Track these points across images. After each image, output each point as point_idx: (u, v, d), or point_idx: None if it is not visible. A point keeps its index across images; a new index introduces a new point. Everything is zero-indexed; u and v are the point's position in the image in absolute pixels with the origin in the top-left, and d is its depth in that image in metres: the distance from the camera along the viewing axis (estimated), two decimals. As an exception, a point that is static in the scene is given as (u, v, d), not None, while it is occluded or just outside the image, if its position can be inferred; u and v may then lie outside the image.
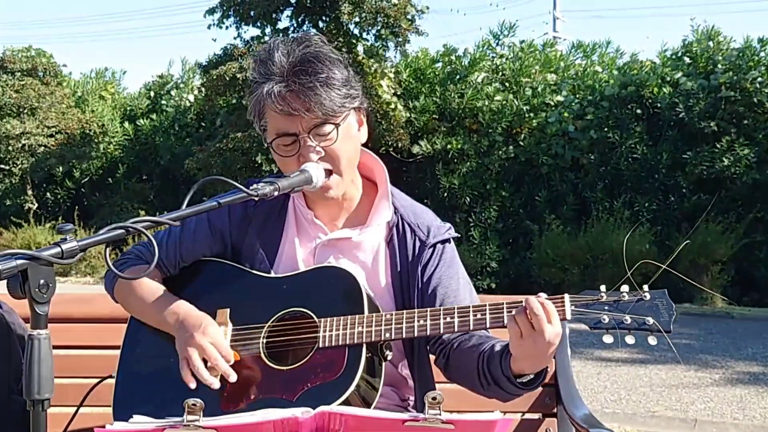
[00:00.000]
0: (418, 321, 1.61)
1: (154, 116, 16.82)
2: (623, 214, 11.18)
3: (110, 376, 1.86)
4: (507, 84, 12.98)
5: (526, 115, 12.45)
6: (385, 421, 1.40)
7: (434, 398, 1.37)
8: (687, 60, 11.97)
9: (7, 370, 1.91)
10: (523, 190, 12.53)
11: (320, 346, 1.61)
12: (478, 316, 1.59)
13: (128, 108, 17.81)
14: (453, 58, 13.47)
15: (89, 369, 2.20)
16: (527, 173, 12.53)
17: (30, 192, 16.73)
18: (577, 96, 12.61)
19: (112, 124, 17.02)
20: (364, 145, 1.83)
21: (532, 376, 1.61)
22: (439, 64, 13.68)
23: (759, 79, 11.00)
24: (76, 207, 16.16)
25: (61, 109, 16.48)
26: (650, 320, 1.55)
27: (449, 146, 12.48)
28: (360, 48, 12.98)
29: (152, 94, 17.58)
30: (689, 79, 11.47)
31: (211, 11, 13.66)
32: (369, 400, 1.59)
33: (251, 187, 1.54)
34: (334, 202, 1.79)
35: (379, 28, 13.00)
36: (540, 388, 2.19)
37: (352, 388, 1.54)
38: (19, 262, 1.22)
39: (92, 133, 16.39)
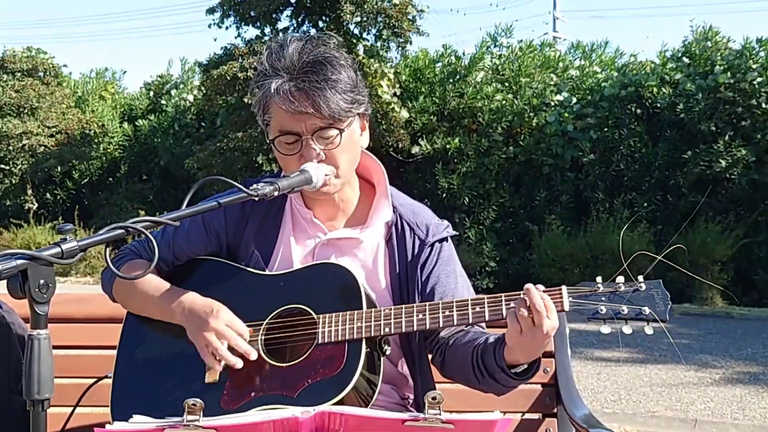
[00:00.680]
0: (417, 315, 1.61)
1: (153, 116, 16.82)
2: (623, 214, 11.18)
3: (106, 377, 1.86)
4: (506, 84, 12.98)
5: (526, 115, 12.45)
6: (385, 421, 1.40)
7: (434, 398, 1.37)
8: (686, 60, 11.97)
9: (7, 370, 1.91)
10: (523, 190, 12.53)
11: (319, 342, 1.61)
12: (477, 309, 1.60)
13: (128, 108, 17.80)
14: (453, 58, 13.46)
15: (89, 369, 2.20)
16: (527, 173, 12.53)
17: (30, 192, 16.73)
18: (577, 96, 12.61)
19: (112, 124, 17.02)
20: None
21: (526, 366, 1.62)
22: (439, 65, 13.68)
23: (758, 79, 11.00)
24: (76, 207, 16.15)
25: (61, 109, 16.48)
26: (646, 309, 1.57)
27: (448, 146, 12.48)
28: (360, 48, 12.98)
29: (152, 94, 17.57)
30: (688, 80, 11.47)
31: (211, 11, 13.65)
32: (368, 396, 1.60)
33: (251, 187, 1.54)
34: (332, 202, 1.80)
35: (380, 28, 13.00)
36: (540, 388, 2.20)
37: (353, 383, 1.54)
38: (19, 262, 1.22)
39: (92, 133, 16.39)
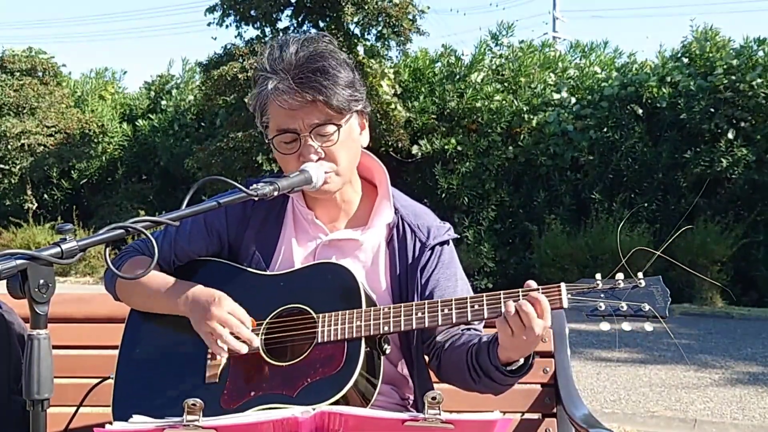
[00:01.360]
0: (417, 314, 1.61)
1: (153, 116, 16.82)
2: (622, 214, 11.18)
3: (108, 377, 1.86)
4: (506, 84, 12.98)
5: (525, 116, 12.45)
6: (385, 421, 1.40)
7: (434, 398, 1.37)
8: (686, 60, 11.97)
9: (7, 370, 1.91)
10: (522, 190, 12.53)
11: (319, 341, 1.61)
12: (476, 307, 1.59)
13: (128, 108, 17.80)
14: (453, 58, 13.46)
15: (89, 369, 2.20)
16: (526, 173, 12.53)
17: (29, 192, 16.73)
18: (577, 96, 12.61)
19: (112, 124, 17.02)
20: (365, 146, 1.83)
21: (521, 362, 1.62)
22: (439, 64, 13.68)
23: (758, 80, 11.00)
24: (76, 207, 16.15)
25: (60, 109, 16.48)
26: (646, 306, 1.56)
27: (448, 146, 12.48)
28: (360, 48, 12.99)
29: (152, 94, 17.57)
30: (688, 80, 11.48)
31: (211, 10, 13.65)
32: (368, 395, 1.60)
33: (251, 187, 1.54)
34: (333, 203, 1.80)
35: (380, 28, 13.01)
36: (540, 388, 2.20)
37: (352, 382, 1.54)
38: (19, 262, 1.22)
39: (92, 133, 16.39)
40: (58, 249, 1.26)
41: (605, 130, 11.88)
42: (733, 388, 5.78)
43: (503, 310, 1.54)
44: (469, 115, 12.70)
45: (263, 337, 1.68)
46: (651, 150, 11.56)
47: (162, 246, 1.83)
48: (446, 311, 1.60)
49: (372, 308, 1.63)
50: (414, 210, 1.85)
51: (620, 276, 1.59)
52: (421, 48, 14.23)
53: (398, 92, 13.04)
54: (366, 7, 12.58)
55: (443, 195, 12.46)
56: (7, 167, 16.42)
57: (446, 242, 1.83)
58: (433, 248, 1.80)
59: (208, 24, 13.68)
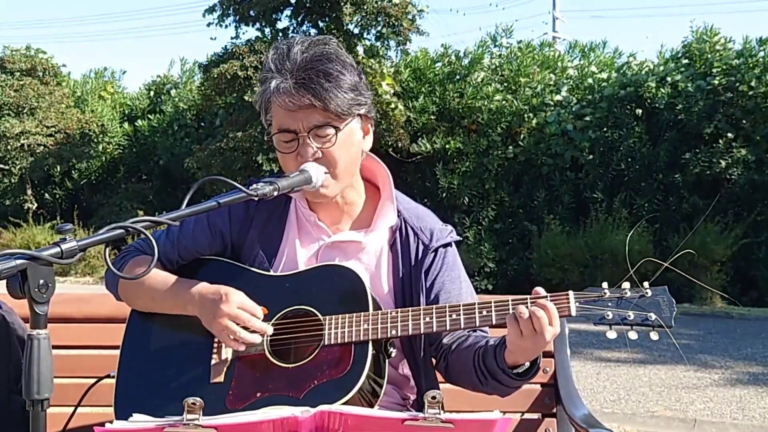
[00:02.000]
0: (425, 318, 1.61)
1: (153, 116, 16.82)
2: (622, 214, 11.18)
3: (108, 375, 1.85)
4: (506, 84, 12.98)
5: (525, 115, 12.45)
6: (385, 421, 1.40)
7: (434, 397, 1.37)
8: (686, 61, 11.97)
9: (7, 370, 1.91)
10: (522, 190, 12.53)
11: (325, 343, 1.61)
12: (484, 313, 1.60)
13: (128, 108, 17.80)
14: (453, 58, 13.47)
15: (89, 369, 2.20)
16: (526, 173, 12.53)
17: (29, 192, 16.73)
18: (576, 96, 12.61)
19: (112, 124, 17.01)
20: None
21: (527, 365, 1.64)
22: (439, 64, 13.68)
23: (757, 80, 11.00)
24: (76, 207, 16.15)
25: (60, 109, 16.47)
26: (652, 316, 1.58)
27: (448, 146, 12.48)
28: (360, 48, 12.99)
29: (152, 94, 17.57)
30: (688, 80, 11.48)
31: (210, 10, 13.65)
32: (373, 398, 1.60)
33: (251, 187, 1.54)
34: (336, 205, 1.80)
35: (380, 27, 13.01)
36: (540, 388, 2.20)
37: (359, 385, 1.54)
38: (19, 262, 1.22)
39: (92, 133, 16.39)
40: (58, 249, 1.26)
41: (605, 130, 11.88)
42: (733, 388, 5.78)
43: (516, 314, 1.55)
44: (469, 115, 12.70)
45: (269, 338, 1.67)
46: (650, 150, 11.56)
47: (165, 244, 1.83)
48: (454, 316, 1.61)
49: (379, 312, 1.63)
50: (417, 212, 1.85)
51: (627, 285, 1.61)
52: (422, 48, 14.24)
53: (398, 92, 13.04)
54: (365, 7, 12.58)
55: (443, 195, 12.45)
56: (7, 167, 16.41)
57: (449, 244, 1.84)
58: (436, 251, 1.80)
59: (208, 24, 13.69)
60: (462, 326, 1.61)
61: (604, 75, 12.74)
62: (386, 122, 12.31)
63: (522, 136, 12.47)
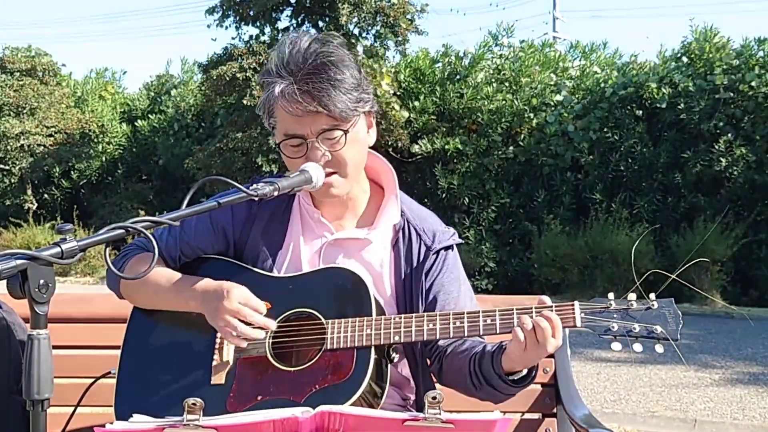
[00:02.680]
0: (428, 325, 1.61)
1: (153, 116, 16.82)
2: (622, 215, 11.18)
3: (109, 373, 1.85)
4: (506, 84, 12.98)
5: (526, 116, 12.44)
6: (385, 421, 1.40)
7: (434, 398, 1.37)
8: (686, 61, 11.98)
9: (7, 370, 1.91)
10: (522, 190, 12.52)
11: (328, 347, 1.60)
12: (488, 321, 1.60)
13: (128, 108, 17.81)
14: (453, 58, 13.46)
15: (89, 369, 2.19)
16: (526, 173, 12.53)
17: (29, 192, 16.73)
18: (577, 96, 12.61)
19: (112, 124, 17.02)
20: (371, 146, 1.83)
21: (524, 373, 1.64)
22: (439, 65, 13.68)
23: (757, 80, 11.00)
24: (76, 207, 16.15)
25: (60, 109, 16.48)
26: (658, 329, 1.56)
27: (448, 146, 12.48)
28: (359, 48, 12.99)
29: (152, 94, 17.58)
30: (688, 80, 11.48)
31: (210, 11, 13.67)
32: (375, 403, 1.59)
33: (251, 187, 1.53)
34: (340, 201, 1.79)
35: (378, 27, 13.01)
36: (540, 388, 2.20)
37: (361, 391, 1.53)
38: (19, 262, 1.22)
39: (92, 133, 16.40)
40: (58, 249, 1.26)
41: (605, 130, 11.88)
42: (733, 388, 5.78)
43: (520, 324, 1.55)
44: (469, 115, 12.69)
45: (270, 340, 1.66)
46: (651, 150, 11.56)
47: (167, 241, 1.83)
48: (458, 324, 1.60)
49: (383, 317, 1.62)
50: (419, 214, 1.85)
51: (632, 296, 1.60)
52: (422, 48, 14.24)
53: (398, 92, 13.04)
54: (363, 7, 12.58)
55: (443, 195, 12.45)
56: (7, 167, 16.42)
57: (450, 247, 1.83)
58: (438, 252, 1.80)
59: (208, 26, 13.71)
60: (466, 334, 1.60)
61: (605, 75, 12.74)
62: (386, 122, 12.31)
63: (522, 137, 12.47)
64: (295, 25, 13.48)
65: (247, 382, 1.63)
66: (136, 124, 16.97)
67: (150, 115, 16.93)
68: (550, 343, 1.53)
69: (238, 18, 13.52)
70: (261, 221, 1.81)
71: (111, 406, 1.76)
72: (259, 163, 12.71)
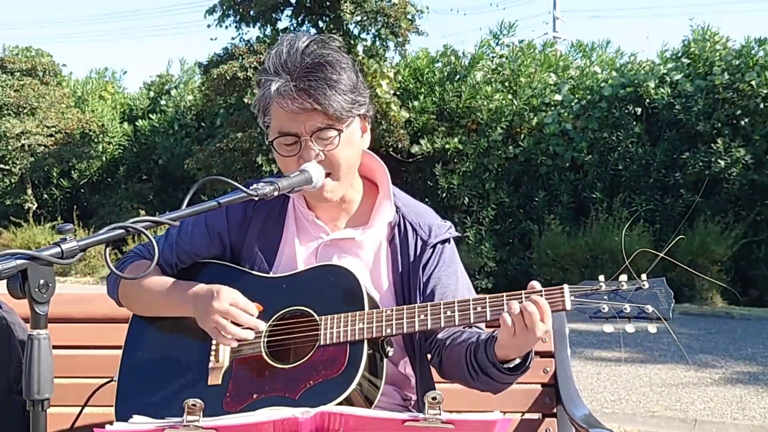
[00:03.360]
0: (419, 316, 1.61)
1: (153, 116, 16.83)
2: (622, 214, 11.19)
3: (111, 380, 1.85)
4: (506, 84, 12.98)
5: (525, 115, 12.45)
6: (385, 421, 1.40)
7: (434, 398, 1.37)
8: (685, 60, 11.98)
9: (7, 371, 1.91)
10: (522, 190, 12.53)
11: (321, 343, 1.61)
12: (479, 309, 1.60)
13: (128, 108, 17.81)
14: (452, 58, 13.46)
15: (89, 369, 2.20)
16: (526, 173, 12.54)
17: (30, 192, 16.73)
18: (576, 96, 12.61)
19: (112, 124, 17.02)
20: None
21: (518, 361, 1.63)
22: (439, 64, 13.68)
23: (756, 80, 11.00)
24: (76, 207, 16.16)
25: (60, 109, 16.48)
26: (650, 308, 1.55)
27: (448, 146, 12.48)
28: (359, 48, 12.99)
29: (152, 94, 17.58)
30: (688, 80, 11.48)
31: (211, 11, 13.66)
32: (371, 398, 1.60)
33: (251, 188, 1.54)
34: (334, 202, 1.80)
35: (378, 27, 13.00)
36: (540, 388, 2.20)
37: (354, 384, 1.54)
38: (19, 262, 1.22)
39: (92, 133, 16.40)
40: (58, 249, 1.26)
41: (604, 130, 11.88)
42: (733, 388, 5.78)
43: (508, 309, 1.55)
44: (469, 115, 12.70)
45: (266, 339, 1.67)
46: (650, 150, 11.56)
47: (163, 248, 1.84)
48: (449, 313, 1.60)
49: (374, 310, 1.63)
50: (415, 209, 1.85)
51: (623, 278, 1.59)
52: (422, 48, 14.24)
53: (398, 92, 13.04)
54: (365, 7, 12.57)
55: (443, 195, 12.46)
56: (7, 167, 16.42)
57: (447, 240, 1.84)
58: (434, 246, 1.80)
59: (209, 25, 13.71)
60: (457, 323, 1.60)
61: (605, 75, 12.74)
62: (386, 123, 12.31)
63: (522, 136, 12.47)
64: (295, 25, 13.47)
65: (242, 382, 1.64)
66: (136, 124, 16.97)
67: (150, 115, 16.93)
68: (539, 328, 1.52)
69: (238, 18, 13.52)
70: (256, 225, 1.82)
71: (111, 406, 1.76)
72: (259, 163, 12.71)
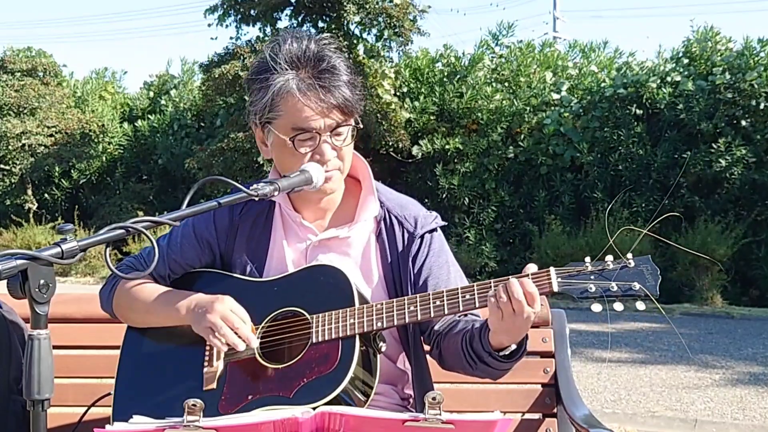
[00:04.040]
0: (409, 307, 1.62)
1: (153, 116, 16.83)
2: (622, 214, 11.18)
3: (108, 394, 1.86)
4: (506, 84, 12.98)
5: (525, 115, 12.45)
6: (385, 421, 1.40)
7: (434, 398, 1.37)
8: (686, 61, 11.97)
9: (7, 370, 1.91)
10: (523, 190, 12.53)
11: (314, 341, 1.62)
12: (467, 297, 1.60)
13: (128, 108, 17.81)
14: (453, 58, 13.46)
15: (89, 369, 2.20)
16: (526, 173, 12.53)
17: (30, 192, 16.73)
18: (576, 96, 12.61)
19: (112, 124, 17.02)
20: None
21: (514, 347, 1.64)
22: (439, 64, 13.68)
23: (757, 80, 10.99)
24: (76, 207, 16.16)
25: (60, 109, 16.49)
26: (636, 285, 1.56)
27: (448, 146, 12.48)
28: (360, 48, 12.99)
29: (152, 94, 17.58)
30: (688, 80, 11.47)
31: (211, 10, 13.66)
32: (366, 393, 1.60)
33: (251, 188, 1.54)
34: (319, 203, 1.81)
35: (381, 28, 13.00)
36: (540, 388, 2.20)
37: (348, 379, 1.54)
38: (19, 262, 1.22)
39: (92, 133, 16.40)
40: (58, 249, 1.27)
41: (605, 130, 11.88)
42: (733, 388, 5.78)
43: (493, 294, 1.56)
44: (469, 115, 12.70)
45: (259, 341, 1.68)
46: (650, 150, 11.56)
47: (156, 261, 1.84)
48: (438, 303, 1.61)
49: (364, 305, 1.63)
50: (399, 202, 1.86)
51: (609, 258, 1.60)
52: (422, 48, 14.24)
53: (398, 93, 13.04)
54: (367, 7, 12.57)
55: (443, 195, 12.46)
56: (7, 167, 16.42)
57: (434, 230, 1.84)
58: (422, 237, 1.81)
59: (209, 25, 13.70)
60: (446, 312, 1.60)
61: (605, 75, 12.74)
62: (387, 123, 12.31)
63: (522, 137, 12.47)
64: (295, 24, 13.47)
65: (237, 384, 1.65)
66: (136, 124, 16.97)
67: (150, 115, 16.93)
68: (527, 312, 1.53)
69: (238, 17, 13.52)
70: (244, 231, 1.83)
71: (110, 406, 1.77)
72: (260, 163, 12.71)
